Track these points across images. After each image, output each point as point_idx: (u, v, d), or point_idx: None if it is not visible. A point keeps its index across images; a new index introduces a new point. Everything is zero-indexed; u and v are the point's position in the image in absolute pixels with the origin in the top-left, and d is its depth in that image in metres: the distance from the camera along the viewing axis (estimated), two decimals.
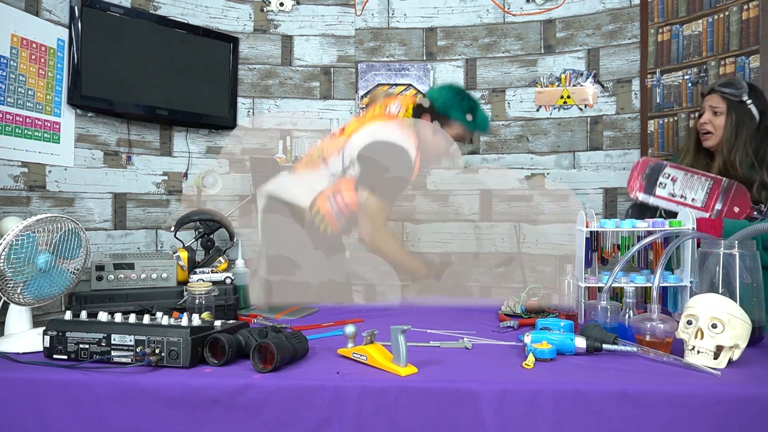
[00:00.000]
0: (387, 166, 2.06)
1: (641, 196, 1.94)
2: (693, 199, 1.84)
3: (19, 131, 2.16)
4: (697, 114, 2.17)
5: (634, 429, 1.09)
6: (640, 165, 1.98)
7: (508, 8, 2.94)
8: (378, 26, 3.02)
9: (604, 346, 1.33)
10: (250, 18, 2.96)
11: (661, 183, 1.90)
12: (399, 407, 1.13)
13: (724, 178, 1.86)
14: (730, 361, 1.25)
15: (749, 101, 2.03)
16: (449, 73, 2.99)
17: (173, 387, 1.16)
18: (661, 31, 2.69)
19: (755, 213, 1.88)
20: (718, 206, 1.86)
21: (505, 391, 1.12)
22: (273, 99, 2.99)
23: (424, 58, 3.00)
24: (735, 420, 1.08)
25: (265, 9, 2.97)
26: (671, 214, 1.84)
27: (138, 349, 1.25)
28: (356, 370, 1.23)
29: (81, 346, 1.29)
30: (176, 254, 1.91)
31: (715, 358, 1.24)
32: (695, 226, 1.61)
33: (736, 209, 1.82)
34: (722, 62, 2.46)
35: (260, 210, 2.27)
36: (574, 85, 2.87)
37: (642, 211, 2.02)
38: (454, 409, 1.12)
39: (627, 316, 1.46)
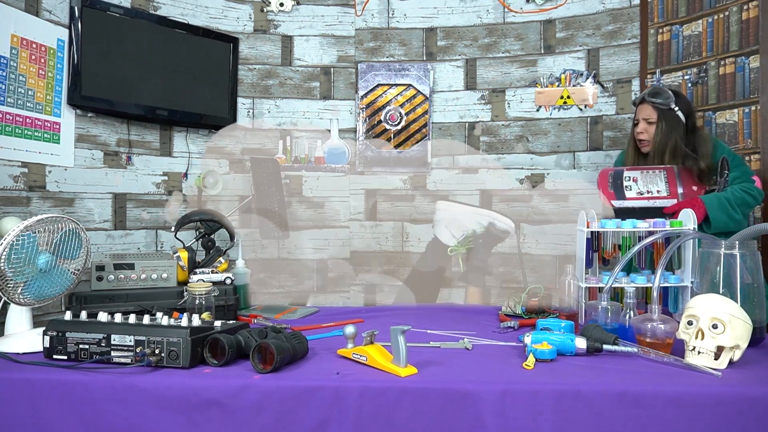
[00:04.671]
0: None
1: (617, 203, 2.15)
2: (658, 191, 2.02)
3: (19, 131, 2.16)
4: (632, 123, 2.34)
5: (634, 430, 1.09)
6: (602, 177, 2.20)
7: (509, 7, 2.94)
8: (378, 26, 3.01)
9: (605, 346, 1.33)
10: (250, 18, 2.96)
11: (626, 186, 2.11)
12: (399, 408, 1.13)
13: (672, 166, 2.03)
14: (730, 362, 1.25)
15: (677, 108, 2.20)
16: (449, 73, 2.99)
17: (173, 387, 1.16)
18: (661, 31, 2.69)
19: (713, 185, 2.12)
20: (680, 190, 2.05)
21: (506, 391, 1.12)
22: (273, 99, 2.98)
23: (424, 59, 3.00)
24: (736, 420, 1.08)
25: (265, 9, 2.97)
26: (645, 211, 2.04)
27: (138, 350, 1.25)
28: (356, 371, 1.23)
29: (81, 346, 1.29)
30: (176, 254, 1.90)
31: (715, 359, 1.23)
32: (677, 211, 1.69)
33: (695, 188, 2.00)
34: (722, 62, 2.46)
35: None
36: (574, 86, 2.87)
37: (623, 216, 2.18)
38: (455, 409, 1.12)
39: (627, 316, 1.46)
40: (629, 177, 2.06)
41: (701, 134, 2.24)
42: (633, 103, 2.40)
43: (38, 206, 2.23)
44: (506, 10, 2.94)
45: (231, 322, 1.44)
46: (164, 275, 1.83)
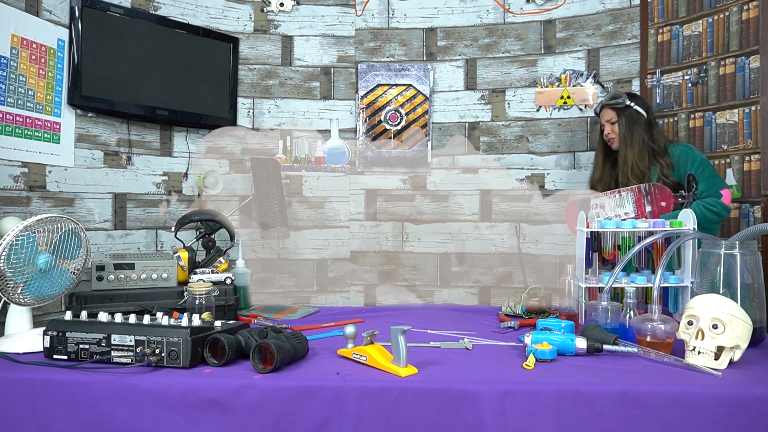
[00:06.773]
0: None
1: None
2: (626, 213, 2.05)
3: (20, 131, 2.16)
4: (599, 130, 2.52)
5: (634, 430, 1.09)
6: (569, 208, 2.29)
7: (509, 8, 2.94)
8: (378, 26, 3.01)
9: (605, 346, 1.33)
10: (250, 18, 2.96)
11: (595, 214, 2.13)
12: (399, 408, 1.13)
13: (642, 184, 2.10)
14: (731, 362, 1.25)
15: (633, 104, 2.38)
16: (449, 73, 2.99)
17: (173, 387, 1.16)
18: (661, 31, 2.69)
19: (680, 200, 2.24)
20: (648, 209, 2.10)
21: (506, 391, 1.12)
22: (273, 99, 2.98)
23: (424, 59, 3.00)
24: (736, 421, 1.08)
25: (265, 9, 2.97)
26: None
27: (138, 350, 1.25)
28: (356, 371, 1.23)
29: (81, 346, 1.29)
30: (176, 254, 1.91)
31: (715, 359, 1.24)
32: None
33: (663, 204, 2.08)
34: (722, 62, 2.46)
35: None
36: (574, 86, 2.87)
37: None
38: (455, 410, 1.12)
39: (628, 316, 1.46)
40: (596, 204, 2.15)
41: (658, 129, 2.40)
42: (594, 112, 2.56)
43: (38, 206, 2.23)
44: (506, 10, 2.94)
45: (231, 322, 1.44)
46: (164, 275, 1.83)
